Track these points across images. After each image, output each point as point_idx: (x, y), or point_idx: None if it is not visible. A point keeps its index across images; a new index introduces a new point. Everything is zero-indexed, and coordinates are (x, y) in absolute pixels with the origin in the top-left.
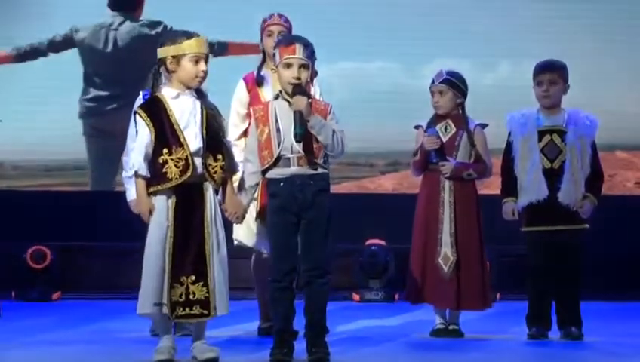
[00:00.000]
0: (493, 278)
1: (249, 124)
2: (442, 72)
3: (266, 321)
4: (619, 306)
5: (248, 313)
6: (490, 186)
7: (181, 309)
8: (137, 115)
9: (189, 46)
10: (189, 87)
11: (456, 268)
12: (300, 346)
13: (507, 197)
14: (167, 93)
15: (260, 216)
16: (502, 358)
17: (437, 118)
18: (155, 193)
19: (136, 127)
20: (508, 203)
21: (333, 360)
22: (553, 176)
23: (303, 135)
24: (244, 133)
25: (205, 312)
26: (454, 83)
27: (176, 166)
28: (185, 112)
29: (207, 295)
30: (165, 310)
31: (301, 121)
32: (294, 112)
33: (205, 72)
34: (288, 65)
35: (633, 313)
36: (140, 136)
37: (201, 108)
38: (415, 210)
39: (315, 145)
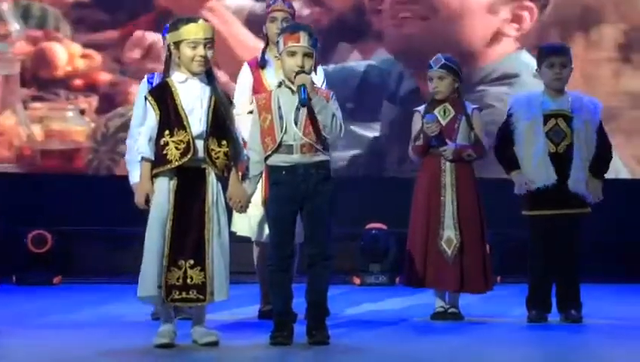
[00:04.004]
0: (494, 261)
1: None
2: (440, 58)
3: (267, 304)
4: (618, 289)
5: (249, 296)
6: (490, 170)
7: (177, 293)
8: (146, 100)
9: (186, 32)
10: (192, 73)
11: (459, 250)
12: (300, 329)
13: (514, 170)
14: (176, 77)
15: (266, 203)
16: (501, 341)
17: (434, 103)
18: (156, 175)
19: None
20: (518, 175)
21: (334, 343)
22: (558, 161)
23: (306, 101)
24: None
25: (201, 297)
26: (452, 68)
27: (176, 148)
28: (191, 96)
29: (204, 280)
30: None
31: (304, 92)
32: (298, 86)
33: (202, 57)
34: (292, 54)
35: (632, 295)
36: (147, 120)
37: (210, 94)
38: (413, 195)
39: (315, 131)
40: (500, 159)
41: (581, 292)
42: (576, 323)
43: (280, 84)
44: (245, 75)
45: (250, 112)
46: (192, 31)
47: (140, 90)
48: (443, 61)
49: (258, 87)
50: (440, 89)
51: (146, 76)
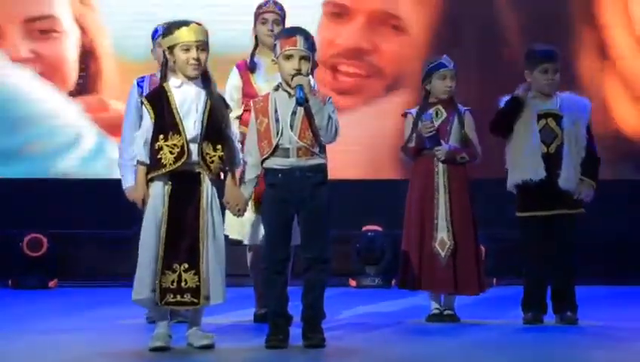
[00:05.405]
0: (490, 263)
1: (243, 110)
2: (449, 58)
3: (262, 307)
4: (613, 291)
5: (244, 300)
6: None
7: (172, 296)
8: (142, 104)
9: (179, 35)
10: (188, 77)
11: (453, 252)
12: (296, 332)
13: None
14: (172, 82)
15: (257, 205)
16: (497, 343)
17: (427, 104)
18: (151, 180)
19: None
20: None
21: (329, 346)
22: (549, 161)
23: (303, 100)
24: (240, 118)
25: (195, 301)
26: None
27: (170, 152)
28: (187, 100)
29: (198, 283)
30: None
31: (302, 92)
32: (295, 86)
33: (196, 60)
34: (289, 57)
35: (628, 297)
36: (142, 124)
37: (206, 98)
38: (407, 196)
39: (311, 135)
40: (499, 116)
41: (577, 293)
42: (571, 324)
43: (277, 88)
44: (234, 78)
45: (239, 117)
46: (184, 34)
47: (130, 94)
48: (453, 61)
49: (247, 90)
50: (453, 89)
51: (135, 80)
